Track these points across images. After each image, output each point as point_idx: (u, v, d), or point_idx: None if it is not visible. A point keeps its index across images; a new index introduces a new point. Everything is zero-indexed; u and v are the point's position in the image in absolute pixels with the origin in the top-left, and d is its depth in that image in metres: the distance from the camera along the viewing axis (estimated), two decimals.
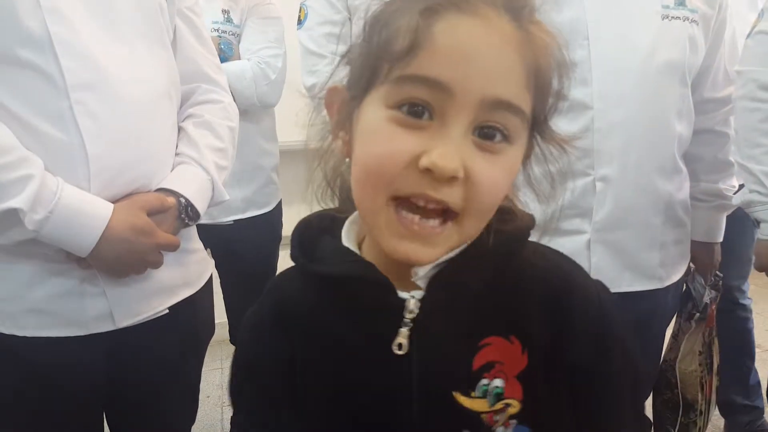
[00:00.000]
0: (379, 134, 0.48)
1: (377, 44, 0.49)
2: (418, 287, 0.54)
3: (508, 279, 0.55)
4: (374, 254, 0.55)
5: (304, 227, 0.60)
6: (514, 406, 0.54)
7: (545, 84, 0.50)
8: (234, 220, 1.69)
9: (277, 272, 1.84)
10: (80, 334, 0.91)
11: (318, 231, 0.60)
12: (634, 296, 1.18)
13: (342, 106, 0.54)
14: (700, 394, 1.40)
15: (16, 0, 0.80)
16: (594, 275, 1.16)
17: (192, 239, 1.07)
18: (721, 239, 1.36)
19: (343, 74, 0.55)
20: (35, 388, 0.92)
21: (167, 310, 0.99)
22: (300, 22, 1.60)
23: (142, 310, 0.95)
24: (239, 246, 1.69)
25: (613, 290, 1.17)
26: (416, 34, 0.46)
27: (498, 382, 0.54)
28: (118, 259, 0.89)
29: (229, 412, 2.27)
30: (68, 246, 0.85)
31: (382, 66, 0.48)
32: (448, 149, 0.45)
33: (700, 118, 1.24)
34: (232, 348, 1.96)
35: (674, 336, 1.44)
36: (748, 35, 1.23)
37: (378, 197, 0.48)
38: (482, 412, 0.53)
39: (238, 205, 1.68)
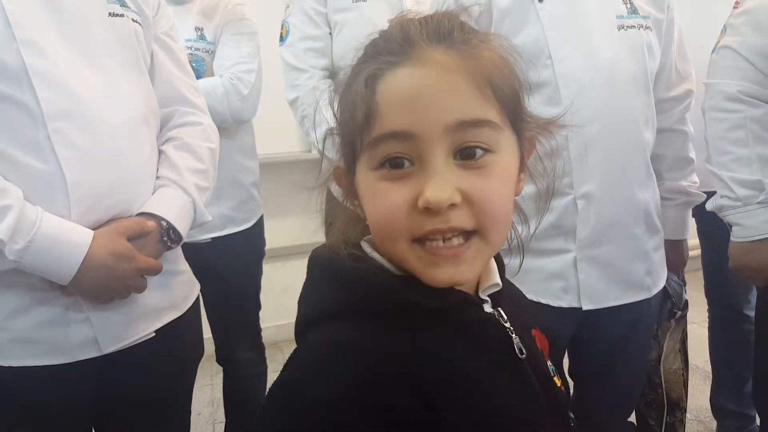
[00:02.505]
0: (376, 194, 0.52)
1: (345, 124, 0.55)
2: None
3: (507, 285, 0.63)
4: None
5: (348, 269, 0.55)
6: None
7: (503, 85, 0.53)
8: (212, 238, 1.66)
9: (261, 289, 1.85)
10: (66, 362, 0.90)
11: (355, 266, 0.56)
12: (621, 308, 1.20)
13: (345, 180, 0.59)
14: (684, 392, 1.41)
15: None
16: (583, 292, 1.19)
17: (177, 261, 1.07)
18: (688, 235, 1.39)
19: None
20: (22, 418, 0.91)
21: (154, 334, 0.99)
22: (282, 38, 1.62)
23: (128, 334, 0.95)
24: (219, 264, 1.66)
25: (603, 305, 1.20)
26: (367, 103, 0.51)
27: (550, 363, 0.64)
28: (100, 285, 0.89)
29: (220, 429, 2.25)
30: (49, 274, 0.85)
31: (356, 139, 0.53)
32: (435, 183, 0.49)
33: (659, 117, 1.26)
34: (220, 365, 1.92)
35: (654, 336, 1.43)
36: (713, 50, 1.27)
37: (400, 245, 0.52)
38: (560, 387, 0.63)
39: (215, 223, 1.61)
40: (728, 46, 1.22)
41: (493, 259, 0.61)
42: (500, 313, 0.59)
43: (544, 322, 0.67)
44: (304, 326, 0.56)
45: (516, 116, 0.55)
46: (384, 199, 0.51)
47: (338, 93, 0.57)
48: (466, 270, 0.52)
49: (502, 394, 0.54)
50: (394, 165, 0.51)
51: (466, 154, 0.51)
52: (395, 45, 0.52)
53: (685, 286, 1.40)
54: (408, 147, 0.50)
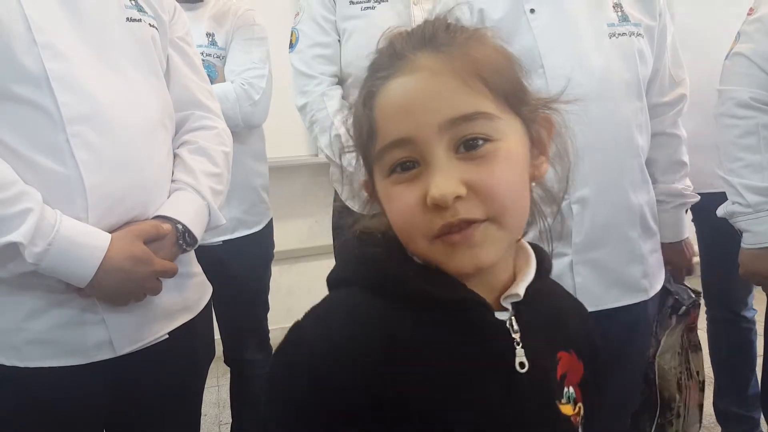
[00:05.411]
0: (392, 198, 0.56)
1: (356, 141, 0.60)
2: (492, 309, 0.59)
3: (555, 301, 0.65)
4: None
5: (365, 248, 0.60)
6: (582, 410, 0.62)
7: (495, 74, 0.55)
8: (223, 241, 1.67)
9: (269, 291, 1.86)
10: (81, 363, 0.91)
11: (376, 250, 0.60)
12: (619, 310, 1.21)
13: (370, 190, 0.63)
14: (677, 395, 1.40)
15: (11, 38, 0.82)
16: (579, 295, 1.19)
17: (190, 263, 1.08)
18: (686, 235, 1.39)
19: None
20: (36, 418, 0.92)
21: (167, 336, 1.00)
22: (292, 45, 1.64)
23: (142, 336, 0.96)
24: (230, 266, 1.67)
25: (600, 308, 1.22)
26: (368, 119, 0.56)
27: (572, 389, 0.62)
28: (117, 288, 0.90)
29: (226, 430, 2.26)
30: (67, 277, 0.86)
31: (366, 154, 0.58)
32: (438, 179, 0.52)
33: (652, 122, 1.28)
34: (228, 366, 1.92)
35: (653, 335, 1.43)
36: (727, 57, 1.28)
37: (421, 243, 0.55)
38: (571, 416, 0.61)
39: (226, 226, 1.60)
40: (741, 53, 1.23)
41: (534, 265, 0.62)
42: (512, 323, 0.58)
43: (590, 345, 0.66)
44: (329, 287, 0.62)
45: (517, 100, 0.57)
46: (399, 201, 0.54)
47: (350, 119, 0.61)
48: (481, 252, 0.53)
49: (478, 398, 0.55)
50: (404, 168, 0.54)
51: (468, 146, 0.52)
52: (385, 60, 0.56)
53: (700, 296, 1.40)
54: (411, 150, 0.53)
